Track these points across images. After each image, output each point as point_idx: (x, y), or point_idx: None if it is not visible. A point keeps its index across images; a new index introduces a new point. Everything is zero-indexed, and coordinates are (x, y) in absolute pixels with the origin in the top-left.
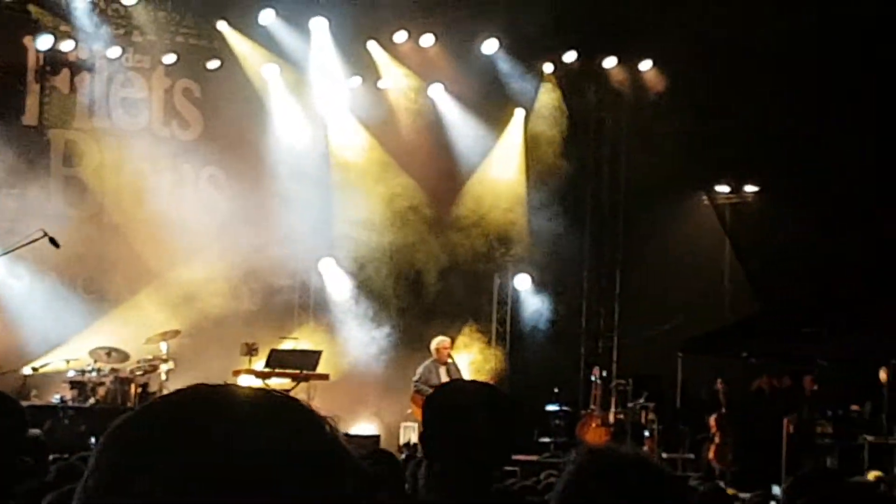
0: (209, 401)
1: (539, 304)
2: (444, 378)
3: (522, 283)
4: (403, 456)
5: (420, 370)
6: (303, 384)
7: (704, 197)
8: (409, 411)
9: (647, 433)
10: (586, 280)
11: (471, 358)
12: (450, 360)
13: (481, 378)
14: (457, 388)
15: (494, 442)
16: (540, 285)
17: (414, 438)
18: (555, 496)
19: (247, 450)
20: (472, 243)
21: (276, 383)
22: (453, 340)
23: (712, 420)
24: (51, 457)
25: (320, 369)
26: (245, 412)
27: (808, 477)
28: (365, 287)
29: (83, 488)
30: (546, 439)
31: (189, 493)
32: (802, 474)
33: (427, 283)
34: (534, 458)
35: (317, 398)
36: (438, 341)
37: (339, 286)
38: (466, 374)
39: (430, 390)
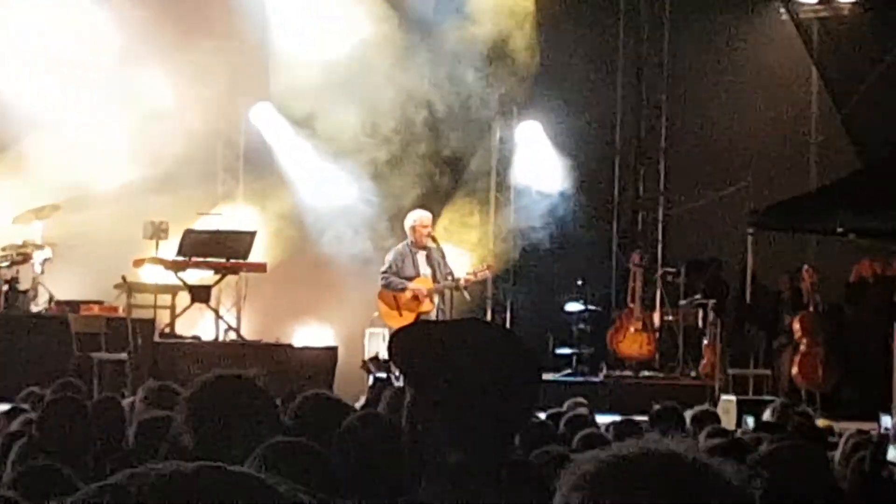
0: None
1: (554, 162)
2: (424, 268)
3: (531, 133)
4: (371, 380)
5: (390, 257)
6: (230, 278)
7: (782, 9)
8: (376, 314)
9: (705, 340)
10: (620, 127)
11: (461, 239)
12: (431, 244)
13: (475, 265)
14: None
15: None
16: (555, 135)
17: (383, 351)
18: None
19: None
20: (463, 77)
21: (193, 277)
22: (436, 216)
23: (796, 322)
24: None
25: (254, 257)
26: None
27: None
28: (317, 141)
29: None
30: (566, 350)
31: None
32: None
33: (403, 134)
34: (551, 377)
35: (249, 297)
36: (416, 218)
37: (280, 140)
38: (455, 264)
39: (403, 284)
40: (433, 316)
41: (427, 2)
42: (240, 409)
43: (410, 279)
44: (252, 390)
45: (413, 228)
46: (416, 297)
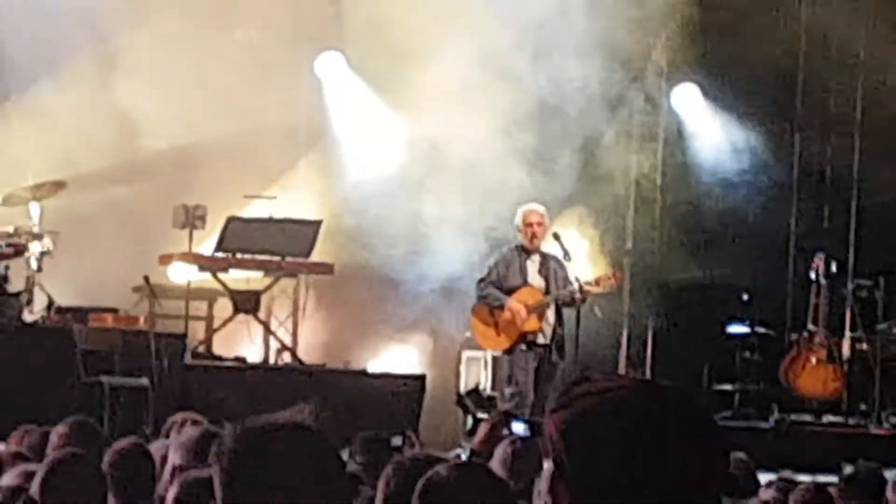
0: None
1: (714, 136)
2: (534, 276)
3: (689, 97)
4: (469, 422)
5: (491, 262)
6: (285, 282)
7: None
8: (468, 334)
9: None
10: (802, 88)
11: (588, 239)
12: (551, 249)
13: (601, 272)
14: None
15: None
16: (721, 97)
17: (483, 381)
18: None
19: None
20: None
21: (238, 279)
22: (556, 209)
23: None
24: None
25: (317, 255)
26: None
27: None
28: (403, 106)
29: None
30: (726, 386)
31: None
32: None
33: (521, 104)
34: None
35: (310, 307)
36: (523, 213)
37: (355, 101)
38: (584, 271)
39: (502, 300)
40: (540, 338)
41: None
42: (297, 477)
43: (515, 290)
44: (316, 447)
45: (520, 226)
46: (515, 319)
